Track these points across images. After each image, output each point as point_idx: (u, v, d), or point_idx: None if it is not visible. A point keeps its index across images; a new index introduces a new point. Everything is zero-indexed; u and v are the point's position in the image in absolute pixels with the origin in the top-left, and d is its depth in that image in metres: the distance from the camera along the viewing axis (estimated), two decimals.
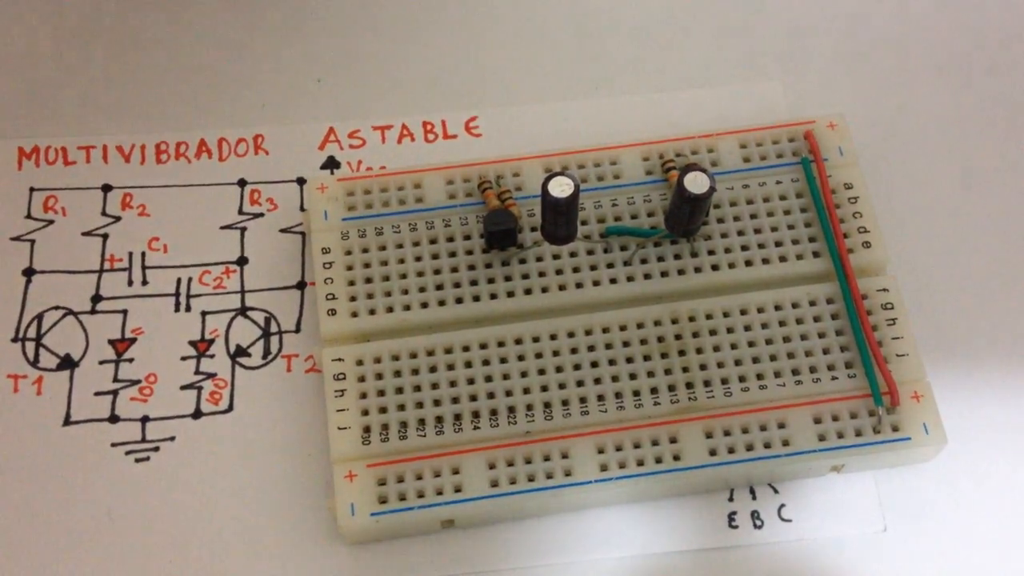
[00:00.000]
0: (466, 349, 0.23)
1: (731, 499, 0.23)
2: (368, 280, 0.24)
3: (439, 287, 0.23)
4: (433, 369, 0.23)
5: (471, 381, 0.23)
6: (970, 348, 0.25)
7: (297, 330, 0.25)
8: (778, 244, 0.24)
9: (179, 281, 0.26)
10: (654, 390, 0.22)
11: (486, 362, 0.23)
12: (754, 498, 0.23)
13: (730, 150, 0.25)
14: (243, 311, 0.25)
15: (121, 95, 0.29)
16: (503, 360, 0.23)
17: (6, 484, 0.23)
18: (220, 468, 0.23)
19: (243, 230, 0.26)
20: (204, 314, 0.25)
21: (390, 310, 0.23)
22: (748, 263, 0.24)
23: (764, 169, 0.25)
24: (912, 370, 0.23)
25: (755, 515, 0.23)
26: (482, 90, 0.28)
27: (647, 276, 0.24)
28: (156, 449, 0.24)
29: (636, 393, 0.22)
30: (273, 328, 0.25)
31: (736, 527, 0.22)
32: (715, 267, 0.23)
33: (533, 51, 0.28)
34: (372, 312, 0.23)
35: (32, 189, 0.26)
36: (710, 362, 0.23)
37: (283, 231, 0.26)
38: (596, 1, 0.29)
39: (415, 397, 0.22)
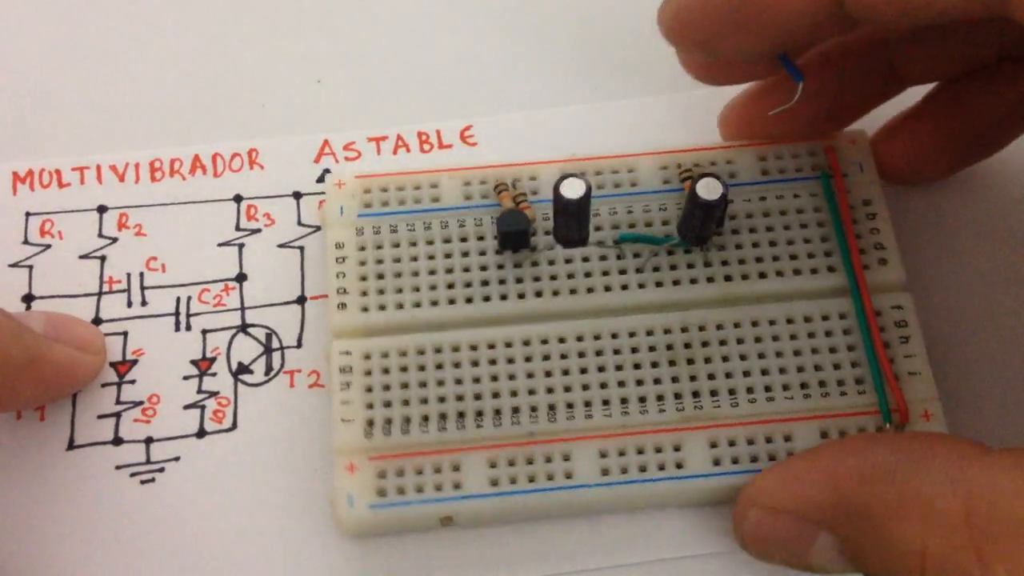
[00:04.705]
0: (474, 348, 0.25)
1: None
2: (380, 276, 0.26)
3: (450, 286, 0.26)
4: (440, 366, 0.25)
5: (477, 380, 0.25)
6: (984, 371, 0.26)
7: (299, 345, 0.27)
8: (793, 257, 0.26)
9: (178, 300, 0.28)
10: (660, 397, 0.24)
11: (492, 362, 0.25)
12: None
13: (748, 162, 0.27)
14: (243, 328, 0.26)
15: (113, 106, 0.29)
16: (510, 360, 0.25)
17: (12, 511, 0.25)
18: (226, 487, 0.25)
19: (241, 246, 0.28)
20: (205, 332, 0.27)
21: (400, 307, 0.25)
22: (762, 275, 0.26)
23: (782, 183, 0.27)
24: (923, 389, 0.24)
25: None
26: (477, 98, 0.28)
27: (659, 284, 0.26)
28: (161, 470, 0.26)
29: (642, 399, 0.24)
30: (275, 344, 0.27)
31: None
32: (728, 278, 0.26)
33: (530, 56, 0.29)
34: (382, 308, 0.25)
35: (28, 214, 0.27)
36: (718, 372, 0.25)
37: (281, 246, 0.26)
38: (597, 3, 0.29)
39: (420, 393, 0.24)
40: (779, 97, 0.27)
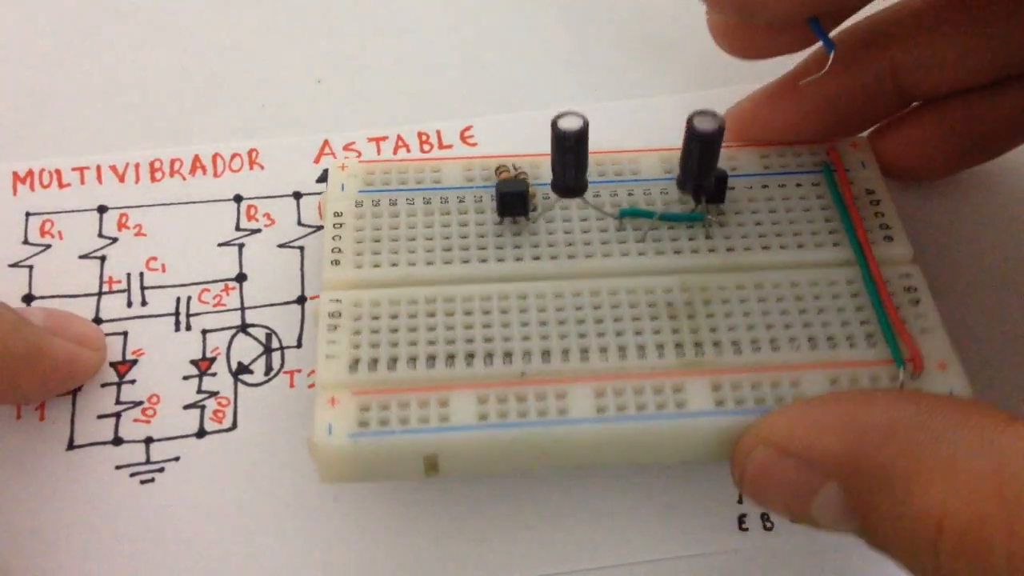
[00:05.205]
0: (468, 300, 0.25)
1: (740, 501, 0.25)
2: (376, 240, 0.26)
3: (447, 249, 0.26)
4: (431, 315, 0.25)
5: (469, 327, 0.24)
6: (993, 366, 0.27)
7: (298, 345, 0.27)
8: (796, 234, 0.26)
9: (178, 300, 0.28)
10: (660, 346, 0.24)
11: (487, 312, 0.25)
12: None
13: (750, 159, 0.28)
14: (243, 328, 0.27)
15: (113, 106, 0.29)
16: (504, 311, 0.25)
17: (12, 511, 0.25)
18: (226, 487, 0.26)
19: (241, 246, 0.29)
20: (204, 332, 0.28)
21: (395, 265, 0.25)
22: (765, 248, 0.26)
23: (784, 175, 0.27)
24: (937, 344, 0.24)
25: (765, 517, 0.24)
26: (477, 98, 0.28)
27: (659, 253, 0.26)
28: (161, 470, 0.26)
29: (640, 348, 0.24)
30: (274, 344, 0.28)
31: (746, 529, 0.23)
32: (730, 249, 0.26)
33: (531, 56, 0.29)
34: (376, 266, 0.25)
35: (28, 214, 0.27)
36: (720, 326, 0.24)
37: (281, 246, 0.27)
38: (597, 3, 0.29)
39: (409, 337, 0.24)
40: (783, 102, 0.27)
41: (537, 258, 0.25)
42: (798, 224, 0.26)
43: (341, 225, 0.26)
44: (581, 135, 0.23)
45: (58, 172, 0.29)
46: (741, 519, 0.25)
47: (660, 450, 0.23)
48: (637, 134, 0.30)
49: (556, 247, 0.26)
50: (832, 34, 0.26)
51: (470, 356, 0.24)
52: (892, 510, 0.19)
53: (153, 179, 0.29)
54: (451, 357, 0.24)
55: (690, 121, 0.23)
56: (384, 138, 0.30)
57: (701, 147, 0.24)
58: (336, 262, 0.25)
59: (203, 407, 0.26)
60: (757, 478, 0.21)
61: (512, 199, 0.26)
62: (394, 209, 0.26)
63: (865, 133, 0.28)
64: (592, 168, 0.25)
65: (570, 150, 0.23)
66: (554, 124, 0.23)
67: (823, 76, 0.26)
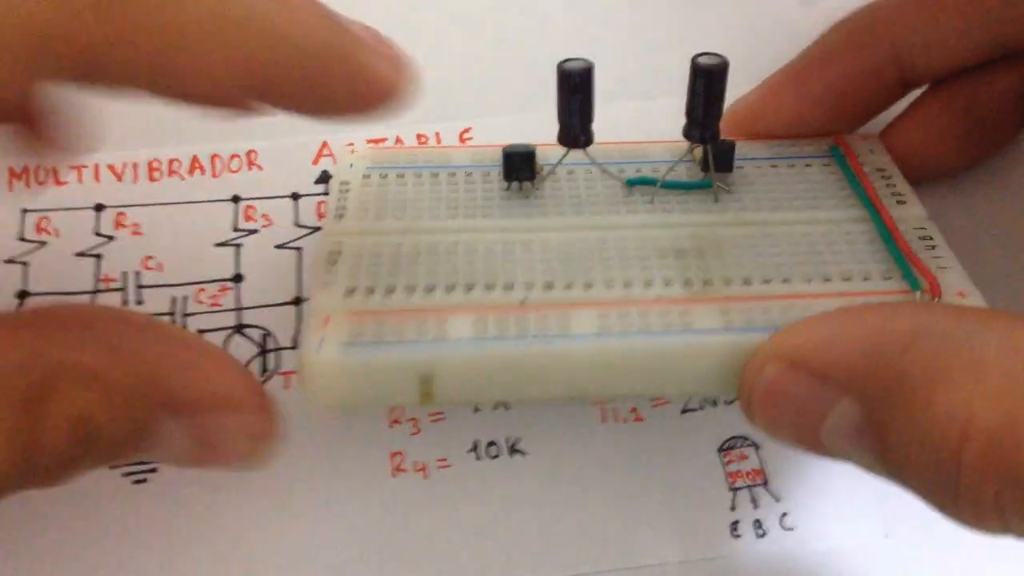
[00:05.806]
0: (471, 245, 0.25)
1: (733, 508, 0.25)
2: (382, 200, 0.26)
3: (453, 207, 0.26)
4: (433, 254, 0.24)
5: (471, 263, 0.24)
6: None
7: (294, 346, 0.27)
8: (808, 198, 0.26)
9: (174, 300, 0.28)
10: (667, 280, 0.24)
11: (489, 251, 0.24)
12: (756, 507, 0.24)
13: (758, 147, 0.28)
14: (239, 329, 0.26)
15: (112, 106, 0.29)
16: (507, 252, 0.24)
17: (3, 512, 0.23)
18: (220, 488, 0.25)
19: (238, 247, 0.28)
20: (200, 332, 0.28)
21: (399, 220, 0.26)
22: (775, 209, 0.26)
23: (794, 158, 0.28)
24: (956, 278, 0.24)
25: (757, 524, 0.24)
26: (476, 100, 0.28)
27: (667, 212, 0.26)
28: (154, 470, 0.26)
29: (647, 281, 0.24)
30: (270, 345, 0.27)
31: (739, 536, 0.23)
32: (741, 210, 0.26)
33: (530, 57, 0.29)
34: (380, 219, 0.26)
35: (24, 211, 0.27)
36: (730, 264, 0.24)
37: (278, 247, 0.26)
38: (597, 4, 0.30)
39: (408, 270, 0.24)
40: (786, 93, 0.27)
41: (544, 216, 0.25)
42: (810, 191, 0.26)
43: (347, 191, 0.26)
44: (586, 74, 0.23)
45: (54, 170, 0.29)
46: (734, 525, 0.25)
47: (665, 374, 0.22)
48: (639, 136, 0.30)
49: (563, 206, 0.26)
50: (832, 25, 0.27)
51: (470, 286, 0.23)
52: (912, 418, 0.18)
53: (151, 179, 0.30)
54: (451, 287, 0.23)
55: (695, 59, 0.24)
56: (383, 140, 0.30)
57: (707, 82, 0.24)
58: (340, 216, 0.25)
59: None
60: (767, 398, 0.20)
61: (519, 160, 0.26)
62: (402, 180, 0.27)
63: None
64: (598, 155, 0.25)
65: (577, 90, 0.23)
66: (560, 66, 0.23)
67: (826, 65, 0.26)
